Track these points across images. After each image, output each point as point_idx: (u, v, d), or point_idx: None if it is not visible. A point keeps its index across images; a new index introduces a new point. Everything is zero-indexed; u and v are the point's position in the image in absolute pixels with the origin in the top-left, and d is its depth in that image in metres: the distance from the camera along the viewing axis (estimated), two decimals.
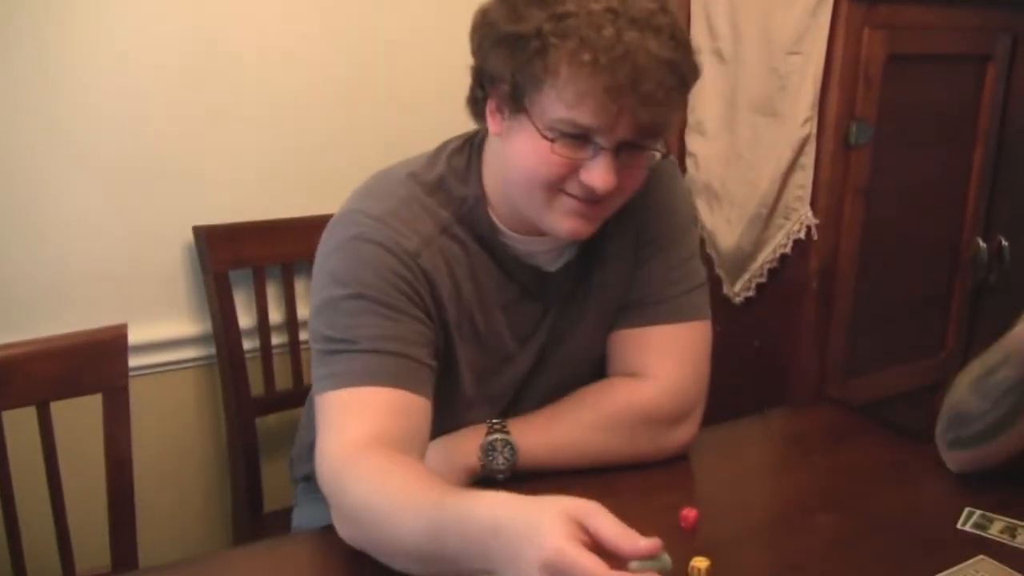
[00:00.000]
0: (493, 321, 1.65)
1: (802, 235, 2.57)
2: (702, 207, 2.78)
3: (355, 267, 1.51)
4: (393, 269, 1.51)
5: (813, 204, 2.56)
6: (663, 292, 1.70)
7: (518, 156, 1.50)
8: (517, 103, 1.47)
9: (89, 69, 2.20)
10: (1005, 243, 2.94)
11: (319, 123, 2.50)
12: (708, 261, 2.76)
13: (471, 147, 1.64)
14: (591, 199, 1.49)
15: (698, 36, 2.77)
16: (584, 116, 1.41)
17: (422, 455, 1.47)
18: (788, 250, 2.61)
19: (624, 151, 1.46)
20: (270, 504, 2.46)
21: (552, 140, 1.44)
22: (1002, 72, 2.81)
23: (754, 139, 2.62)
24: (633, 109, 1.40)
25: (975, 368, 1.68)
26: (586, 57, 1.38)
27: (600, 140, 1.44)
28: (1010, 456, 1.69)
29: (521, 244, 1.63)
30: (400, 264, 1.52)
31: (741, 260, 2.70)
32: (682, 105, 1.48)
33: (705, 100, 2.75)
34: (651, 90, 1.39)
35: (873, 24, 2.50)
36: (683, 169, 2.82)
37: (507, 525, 1.13)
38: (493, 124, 1.55)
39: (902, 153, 2.68)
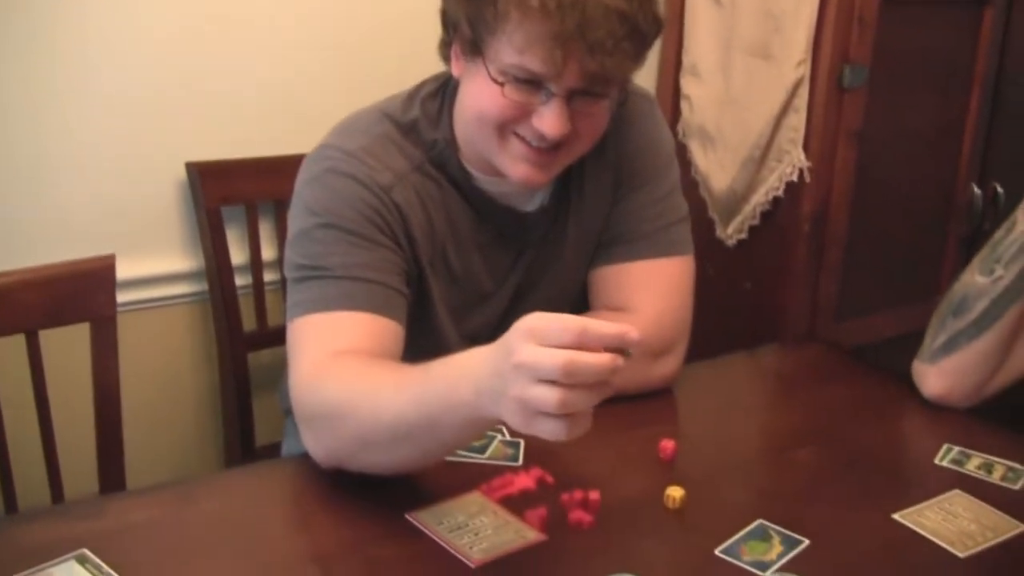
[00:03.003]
0: (468, 261, 1.67)
1: (795, 178, 2.57)
2: (696, 150, 2.78)
3: (328, 199, 1.54)
4: (365, 200, 1.53)
5: (806, 147, 2.55)
6: (644, 227, 1.71)
7: (472, 98, 1.53)
8: (474, 47, 1.49)
9: (86, 5, 2.20)
10: (1000, 190, 2.94)
11: (314, 61, 2.50)
12: (701, 203, 2.77)
13: (444, 91, 1.66)
14: (544, 145, 1.50)
15: None
16: (532, 62, 1.42)
17: None
18: (781, 193, 2.61)
19: (577, 98, 1.48)
20: (262, 439, 2.47)
21: (502, 84, 1.46)
22: (1000, 17, 2.79)
23: (748, 81, 2.62)
24: (581, 58, 1.41)
25: (981, 254, 1.72)
26: (534, 3, 1.39)
27: (551, 86, 1.45)
28: (989, 375, 1.73)
29: (493, 186, 1.65)
30: (372, 196, 1.54)
31: (734, 202, 2.70)
32: (636, 55, 1.48)
33: (700, 42, 2.74)
34: (599, 39, 1.40)
35: None
36: (677, 112, 2.83)
37: (492, 348, 1.16)
38: (456, 67, 1.57)
39: (897, 97, 2.67)
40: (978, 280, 1.70)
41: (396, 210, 1.56)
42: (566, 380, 1.07)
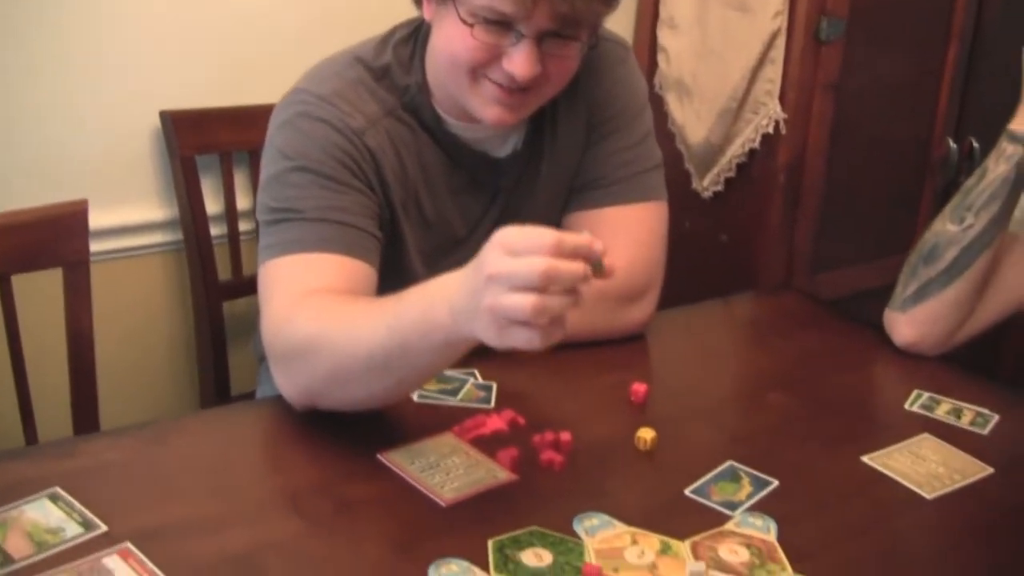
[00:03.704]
0: (442, 206, 1.67)
1: (771, 130, 2.57)
2: (672, 101, 2.78)
3: (300, 142, 1.54)
4: (338, 144, 1.53)
5: (782, 99, 2.56)
6: (617, 173, 1.71)
7: (442, 41, 1.53)
8: None
9: None
10: (976, 144, 2.94)
11: (289, 9, 2.48)
12: (677, 155, 2.77)
13: (416, 36, 1.65)
14: (514, 87, 1.50)
15: None
16: (502, 3, 1.42)
17: None
18: (757, 145, 2.61)
19: (548, 40, 1.47)
20: (237, 387, 2.47)
21: (472, 25, 1.45)
22: None
23: (725, 33, 2.61)
24: None
25: (952, 202, 1.72)
26: None
27: (521, 27, 1.45)
28: (959, 323, 1.74)
29: (466, 131, 1.64)
30: (345, 140, 1.54)
31: (710, 154, 2.70)
32: None
33: None
34: None
35: None
36: (654, 64, 2.82)
37: (466, 269, 1.17)
38: (427, 10, 1.56)
39: (873, 50, 2.67)
40: (949, 228, 1.70)
41: (369, 154, 1.56)
42: (543, 286, 1.09)
